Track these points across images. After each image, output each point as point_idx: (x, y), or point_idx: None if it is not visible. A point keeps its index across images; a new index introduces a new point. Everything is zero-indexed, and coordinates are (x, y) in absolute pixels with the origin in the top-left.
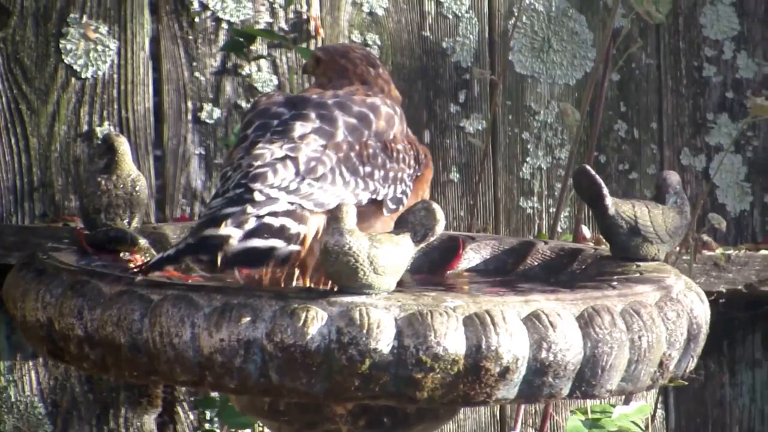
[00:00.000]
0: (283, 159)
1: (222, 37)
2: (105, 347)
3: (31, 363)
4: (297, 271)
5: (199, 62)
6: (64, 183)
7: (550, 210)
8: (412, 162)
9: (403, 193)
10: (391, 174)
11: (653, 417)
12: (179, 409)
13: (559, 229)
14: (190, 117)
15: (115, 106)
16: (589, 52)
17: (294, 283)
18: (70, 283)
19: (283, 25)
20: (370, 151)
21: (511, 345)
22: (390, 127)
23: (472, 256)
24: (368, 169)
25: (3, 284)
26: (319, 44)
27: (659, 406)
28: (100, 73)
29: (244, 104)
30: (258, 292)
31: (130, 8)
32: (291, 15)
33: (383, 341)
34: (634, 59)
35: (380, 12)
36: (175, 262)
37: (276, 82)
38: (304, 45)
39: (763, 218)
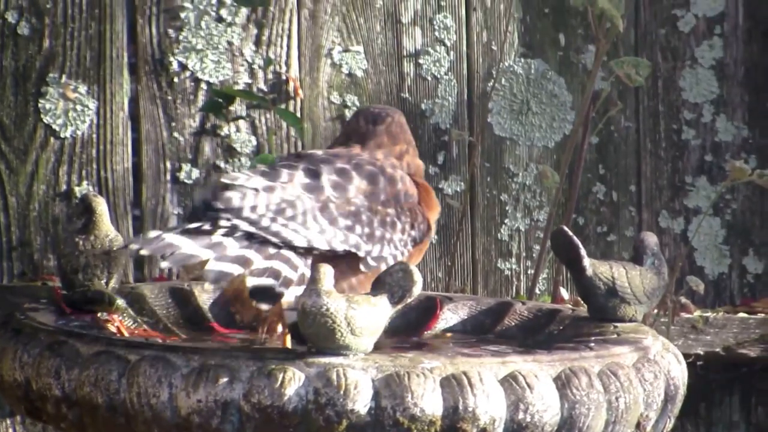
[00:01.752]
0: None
1: (201, 98)
2: (83, 407)
3: (8, 421)
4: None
5: (178, 122)
6: (43, 242)
7: (529, 272)
8: (407, 228)
9: (393, 255)
10: (378, 234)
11: None
12: None
13: (537, 291)
14: (168, 177)
15: (94, 166)
16: (568, 115)
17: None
18: (48, 344)
19: (262, 85)
20: (353, 208)
21: (489, 406)
22: (376, 186)
23: (449, 317)
24: (348, 223)
25: None
26: (299, 105)
27: None
28: (79, 132)
29: (222, 164)
30: (235, 353)
31: (109, 68)
32: (270, 76)
33: (360, 402)
34: (613, 122)
35: (359, 73)
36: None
37: (255, 142)
38: (282, 106)
39: (741, 281)
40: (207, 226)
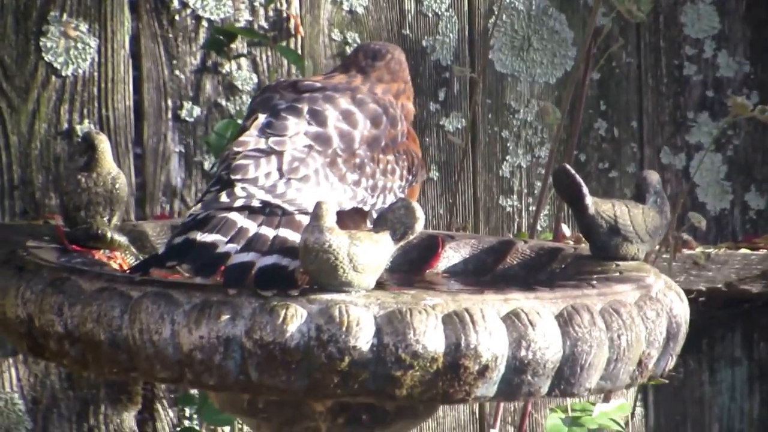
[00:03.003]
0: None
1: (202, 36)
2: (85, 344)
3: (10, 360)
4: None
5: (179, 60)
6: (45, 181)
7: (530, 208)
8: (405, 173)
9: None
10: (380, 184)
11: (632, 415)
12: (159, 406)
13: (539, 228)
14: (170, 115)
15: (96, 104)
16: (569, 51)
17: None
18: (51, 280)
19: (263, 23)
20: (357, 160)
21: (491, 343)
22: (378, 129)
23: (451, 255)
24: (355, 177)
25: None
26: (299, 42)
27: (639, 404)
28: (80, 71)
29: (224, 102)
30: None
31: (110, 6)
32: (271, 13)
33: (362, 339)
34: (615, 58)
35: (360, 10)
36: (161, 265)
37: (256, 80)
38: (284, 43)
39: (743, 217)
40: (225, 198)
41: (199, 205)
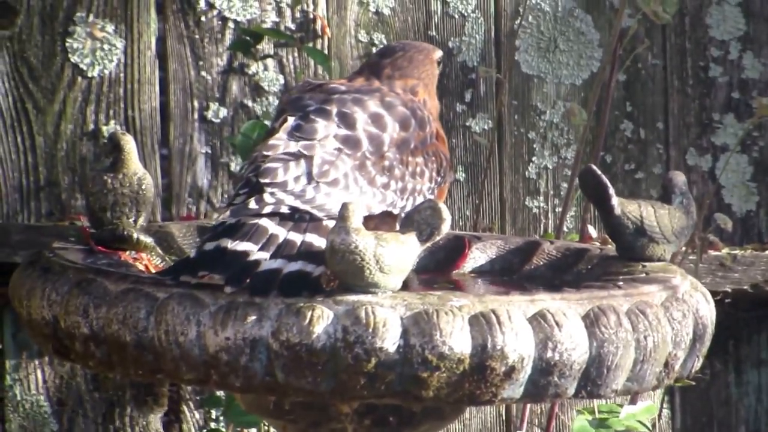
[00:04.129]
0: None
1: (228, 37)
2: (110, 345)
3: (36, 361)
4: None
5: (206, 61)
6: (71, 182)
7: (556, 209)
8: (434, 175)
9: None
10: (410, 186)
11: (659, 416)
12: (185, 408)
13: (565, 229)
14: (196, 116)
15: (122, 105)
16: (595, 52)
17: None
18: (76, 281)
19: (289, 24)
20: (387, 163)
21: (517, 344)
22: (407, 132)
23: (477, 256)
24: (384, 180)
25: (9, 283)
26: (326, 43)
27: (665, 405)
28: (106, 71)
29: (250, 103)
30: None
31: (136, 7)
32: (298, 14)
33: (389, 340)
34: (641, 59)
35: (386, 11)
36: (193, 272)
37: (282, 81)
38: (310, 44)
39: None
40: (253, 204)
41: (228, 211)
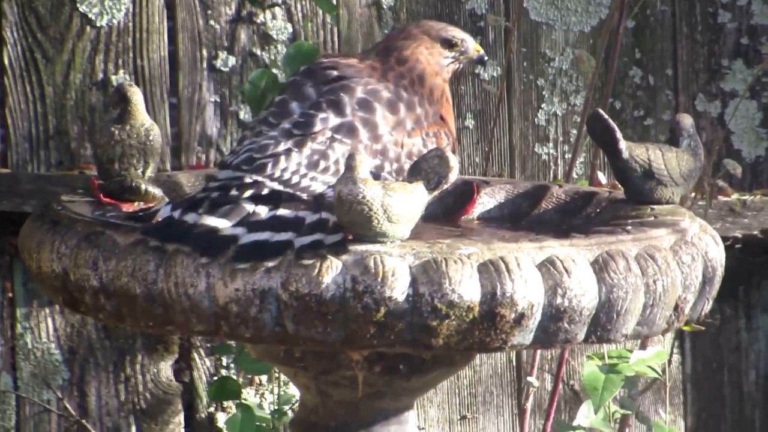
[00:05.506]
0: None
1: None
2: (120, 298)
3: (47, 310)
4: None
5: (214, 10)
6: (80, 131)
7: (566, 156)
8: None
9: None
10: (406, 167)
11: (669, 362)
12: (196, 355)
13: (575, 175)
14: (205, 65)
15: (130, 55)
16: None
17: None
18: (85, 234)
19: None
20: (379, 146)
21: (526, 291)
22: (397, 115)
23: (486, 201)
24: (377, 162)
25: (19, 233)
26: None
27: (675, 351)
28: (114, 21)
29: (258, 52)
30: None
31: None
32: None
33: (398, 289)
34: (649, 6)
35: None
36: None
37: (291, 30)
38: None
39: None
40: (234, 191)
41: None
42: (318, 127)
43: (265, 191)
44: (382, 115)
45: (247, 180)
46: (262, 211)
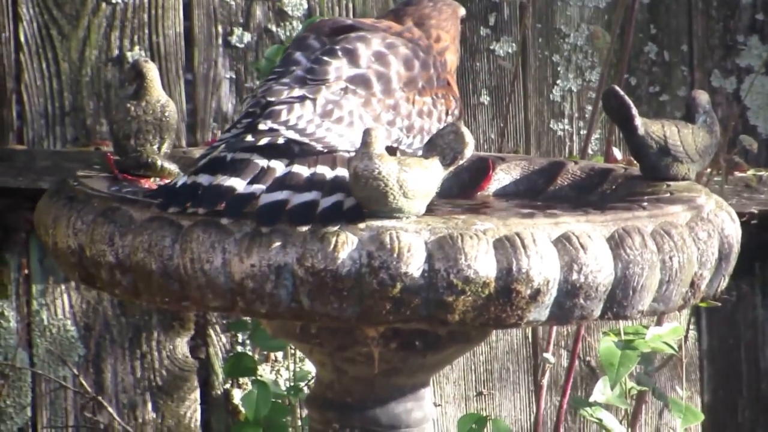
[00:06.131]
0: (300, 98)
1: None
2: (136, 273)
3: (63, 286)
4: None
5: None
6: (96, 107)
7: (581, 132)
8: (442, 116)
9: None
10: (417, 125)
11: (686, 338)
12: (211, 332)
13: (590, 152)
14: (220, 41)
15: (146, 31)
16: None
17: None
18: (101, 210)
19: None
20: (392, 101)
21: (542, 267)
22: (411, 71)
23: (502, 177)
24: (390, 117)
25: (35, 209)
26: None
27: (692, 327)
28: None
29: (274, 28)
30: None
31: None
32: None
33: (414, 265)
34: None
35: None
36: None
37: (306, 6)
38: None
39: None
40: (249, 137)
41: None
42: (332, 75)
43: (281, 140)
44: (397, 71)
45: (262, 126)
46: (278, 167)
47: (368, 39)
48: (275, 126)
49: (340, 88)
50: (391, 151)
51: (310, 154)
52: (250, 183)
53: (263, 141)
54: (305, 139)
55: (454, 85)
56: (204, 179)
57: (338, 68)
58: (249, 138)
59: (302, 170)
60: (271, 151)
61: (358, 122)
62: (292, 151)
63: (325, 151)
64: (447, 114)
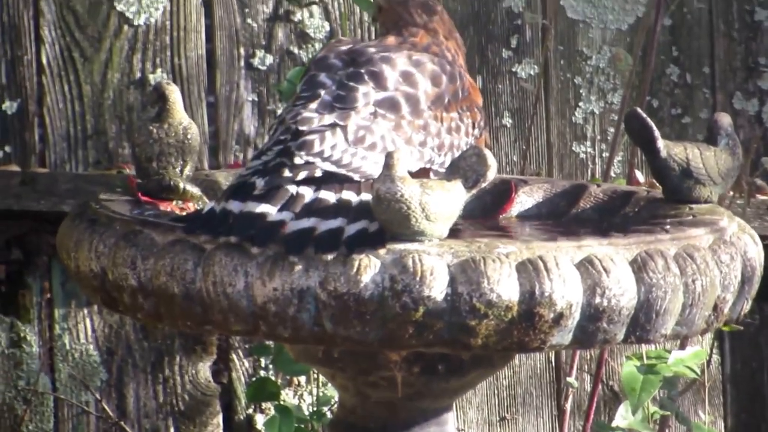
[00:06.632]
0: (331, 126)
1: None
2: (158, 297)
3: (85, 311)
4: None
5: (251, 8)
6: (118, 130)
7: (603, 155)
8: (470, 129)
9: None
10: (447, 143)
11: (708, 362)
12: (234, 356)
13: (612, 174)
14: (242, 63)
15: (168, 53)
16: None
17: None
18: (123, 233)
19: None
20: (422, 121)
21: (565, 291)
22: (439, 87)
23: (524, 200)
24: (421, 138)
25: (57, 233)
26: None
27: (715, 351)
28: (152, 20)
29: (296, 51)
30: None
31: None
32: None
33: (437, 288)
34: (686, 3)
35: None
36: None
37: (328, 28)
38: None
39: None
40: (287, 173)
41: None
42: (361, 102)
43: (318, 173)
44: (424, 90)
45: (297, 160)
46: (307, 193)
47: (393, 60)
48: (311, 159)
49: (369, 113)
50: (425, 172)
51: (338, 179)
52: (281, 210)
53: (301, 176)
54: (342, 171)
55: (475, 91)
56: (234, 206)
57: (366, 93)
58: (287, 173)
59: (329, 196)
60: (310, 181)
61: (391, 147)
62: (329, 180)
63: (363, 180)
64: (474, 126)
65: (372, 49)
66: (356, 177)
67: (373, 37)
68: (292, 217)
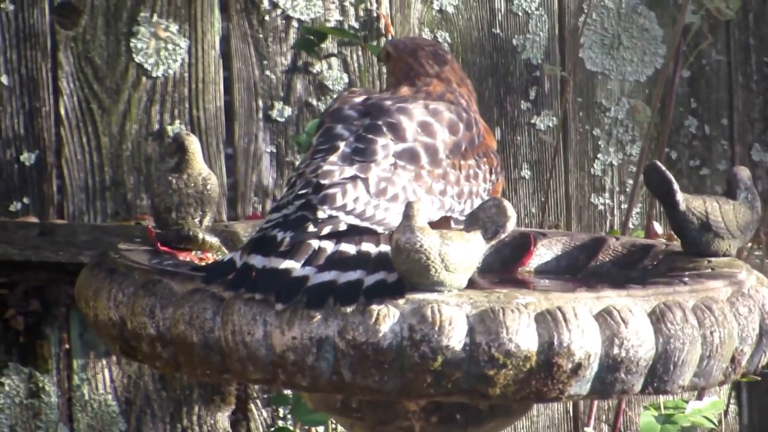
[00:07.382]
0: (352, 178)
1: (292, 36)
2: (177, 346)
3: (104, 361)
4: None
5: (270, 60)
6: (136, 182)
7: (622, 206)
8: (487, 176)
9: None
10: (466, 190)
11: (726, 412)
12: (252, 406)
13: (630, 226)
14: (261, 115)
15: (186, 105)
16: (659, 49)
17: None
18: (142, 282)
19: (353, 23)
20: (441, 170)
21: (583, 341)
22: (456, 136)
23: (543, 253)
24: (441, 186)
25: (75, 283)
26: None
27: (732, 401)
28: (170, 71)
29: (314, 102)
30: None
31: (200, 7)
32: (361, 13)
33: (455, 338)
34: (705, 56)
35: (450, 9)
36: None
37: (347, 80)
38: (374, 43)
39: None
40: (312, 227)
41: (288, 238)
42: (380, 154)
43: (343, 226)
44: (442, 139)
45: (321, 214)
46: (328, 246)
47: (410, 110)
48: (334, 212)
49: (389, 165)
50: (446, 220)
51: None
52: (304, 265)
53: (326, 230)
54: (366, 224)
55: (489, 136)
56: (257, 260)
57: (385, 146)
58: (312, 228)
59: (349, 248)
60: (335, 235)
61: (412, 197)
62: (354, 233)
63: (387, 233)
64: (491, 172)
65: (388, 102)
66: (380, 229)
67: None
68: (315, 271)
